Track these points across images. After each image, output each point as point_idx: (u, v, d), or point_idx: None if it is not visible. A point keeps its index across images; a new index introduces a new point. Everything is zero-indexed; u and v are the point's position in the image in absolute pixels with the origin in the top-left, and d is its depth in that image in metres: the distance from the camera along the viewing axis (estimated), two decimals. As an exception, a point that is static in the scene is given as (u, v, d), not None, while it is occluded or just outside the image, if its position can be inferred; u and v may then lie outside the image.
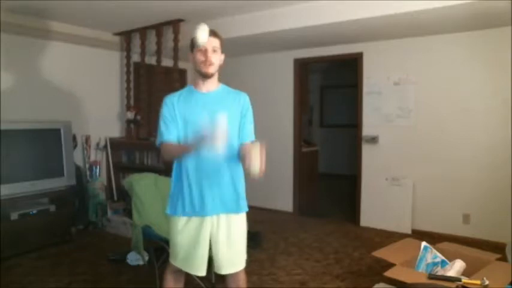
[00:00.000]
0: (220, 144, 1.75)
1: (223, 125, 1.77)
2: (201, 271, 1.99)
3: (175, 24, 4.42)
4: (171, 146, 1.97)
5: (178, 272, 2.10)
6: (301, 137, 5.53)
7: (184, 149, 1.93)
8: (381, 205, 4.65)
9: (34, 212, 3.83)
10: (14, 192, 3.65)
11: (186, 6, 3.94)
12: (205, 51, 1.92)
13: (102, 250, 3.85)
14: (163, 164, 4.36)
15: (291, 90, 5.40)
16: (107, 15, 4.23)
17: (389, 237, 4.26)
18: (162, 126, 2.00)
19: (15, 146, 3.72)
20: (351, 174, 5.85)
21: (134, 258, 3.48)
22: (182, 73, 5.75)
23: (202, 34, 1.87)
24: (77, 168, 4.45)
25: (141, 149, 4.76)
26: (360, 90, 4.82)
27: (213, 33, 1.95)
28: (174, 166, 2.05)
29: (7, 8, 3.83)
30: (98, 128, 4.93)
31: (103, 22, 4.52)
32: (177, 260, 2.03)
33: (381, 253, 2.93)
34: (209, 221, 1.98)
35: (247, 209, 2.07)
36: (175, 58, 4.52)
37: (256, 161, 1.73)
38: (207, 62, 1.93)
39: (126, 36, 4.98)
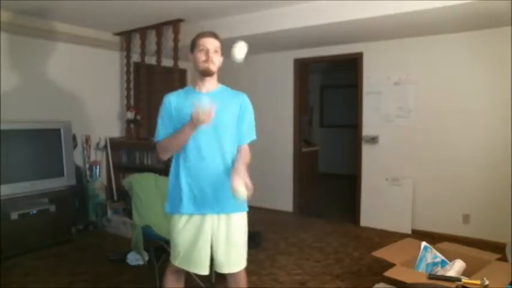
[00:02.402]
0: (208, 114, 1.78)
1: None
2: (204, 270, 2.00)
3: (175, 24, 4.42)
4: (169, 136, 1.97)
5: (179, 271, 2.11)
6: (301, 137, 5.53)
7: (185, 128, 1.88)
8: (380, 205, 4.65)
9: (34, 212, 3.84)
10: (14, 192, 3.64)
11: (186, 6, 3.94)
12: (206, 51, 1.97)
13: (102, 250, 3.85)
14: (163, 163, 4.36)
15: (291, 90, 5.40)
16: (107, 15, 4.23)
17: (389, 237, 4.26)
18: (160, 124, 2.03)
19: (15, 146, 3.72)
20: (351, 174, 5.84)
21: (134, 258, 3.48)
22: (182, 73, 5.74)
23: (240, 52, 2.00)
24: (77, 168, 4.45)
25: (141, 149, 4.75)
26: (359, 90, 4.82)
27: (214, 34, 2.02)
28: (173, 164, 2.05)
29: (7, 8, 3.83)
30: (98, 128, 4.93)
31: (103, 22, 4.53)
32: (179, 260, 2.03)
33: (381, 253, 2.94)
34: (209, 220, 1.99)
35: (247, 209, 2.07)
36: (175, 58, 4.52)
37: (241, 187, 1.77)
38: (208, 60, 1.97)
39: (126, 36, 4.98)
